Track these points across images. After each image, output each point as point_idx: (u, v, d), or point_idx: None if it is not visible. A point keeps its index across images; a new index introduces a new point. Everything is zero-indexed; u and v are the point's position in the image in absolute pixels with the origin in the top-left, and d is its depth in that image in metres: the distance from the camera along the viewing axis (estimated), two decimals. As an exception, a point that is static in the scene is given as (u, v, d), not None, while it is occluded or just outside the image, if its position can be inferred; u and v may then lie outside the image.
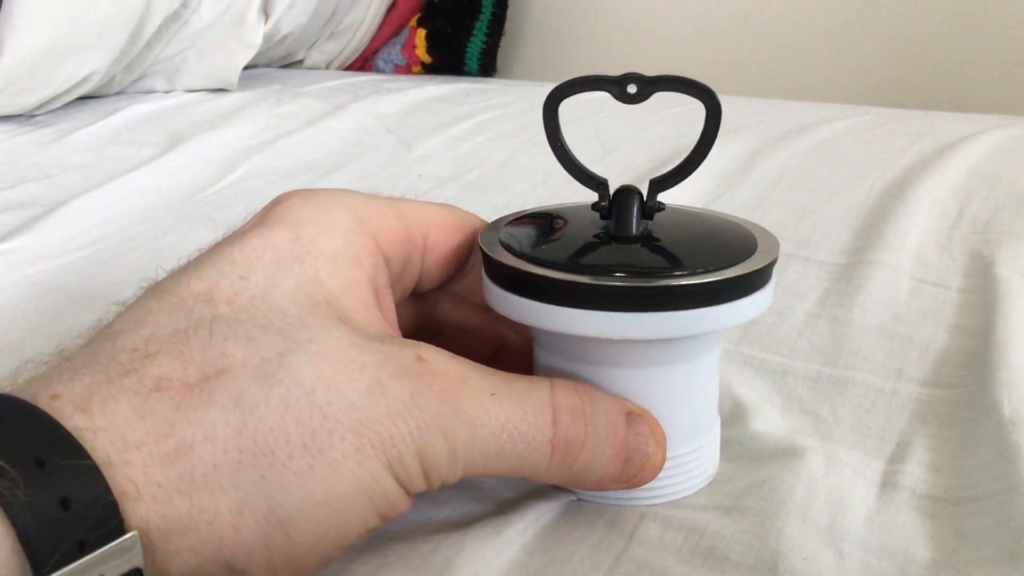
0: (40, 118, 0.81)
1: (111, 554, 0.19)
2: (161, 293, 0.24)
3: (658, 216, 0.29)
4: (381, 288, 0.27)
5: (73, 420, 0.20)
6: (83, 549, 0.19)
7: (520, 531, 0.27)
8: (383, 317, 0.26)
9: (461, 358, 0.25)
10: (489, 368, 0.26)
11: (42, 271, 0.48)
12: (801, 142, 0.71)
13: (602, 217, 0.29)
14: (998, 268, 0.46)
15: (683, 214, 0.31)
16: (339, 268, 0.26)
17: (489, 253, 0.28)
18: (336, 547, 0.23)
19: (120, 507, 0.20)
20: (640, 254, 0.28)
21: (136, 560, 0.20)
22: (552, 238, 0.29)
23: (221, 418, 0.21)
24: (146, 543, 0.20)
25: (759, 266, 0.27)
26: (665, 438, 0.27)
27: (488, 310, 0.29)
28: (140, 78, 0.93)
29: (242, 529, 0.21)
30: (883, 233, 0.51)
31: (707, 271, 0.26)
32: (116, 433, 0.20)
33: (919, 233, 0.52)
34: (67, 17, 0.79)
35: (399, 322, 0.29)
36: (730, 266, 0.26)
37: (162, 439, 0.21)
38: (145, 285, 0.25)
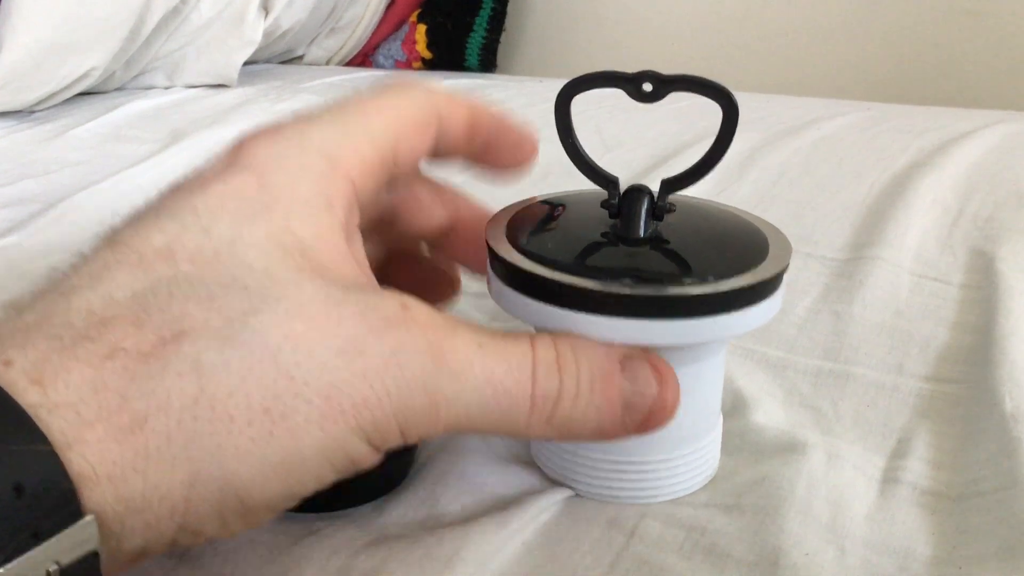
0: (40, 114, 0.81)
1: (66, 541, 0.19)
2: (119, 246, 0.22)
3: (668, 214, 0.29)
4: (352, 231, 0.26)
5: (27, 395, 0.19)
6: (37, 538, 0.18)
7: (521, 527, 0.27)
8: (358, 263, 0.25)
9: (447, 313, 0.24)
10: (476, 324, 0.25)
11: (42, 268, 0.48)
12: (802, 138, 0.71)
13: (610, 215, 0.29)
14: (999, 264, 0.46)
15: (694, 212, 0.30)
16: (311, 215, 0.24)
17: (495, 249, 0.28)
18: (287, 500, 0.22)
19: (77, 491, 0.19)
20: (647, 258, 0.27)
21: (92, 544, 0.19)
22: (558, 236, 0.29)
23: (176, 386, 0.20)
24: (103, 526, 0.19)
25: (769, 275, 0.26)
26: (675, 376, 0.26)
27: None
28: (140, 74, 0.93)
29: (194, 500, 0.20)
30: (884, 229, 0.51)
31: (716, 279, 0.26)
32: (71, 410, 0.19)
33: (920, 229, 0.52)
34: (67, 14, 0.78)
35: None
36: (740, 273, 0.26)
37: (116, 414, 0.20)
38: (103, 234, 0.24)
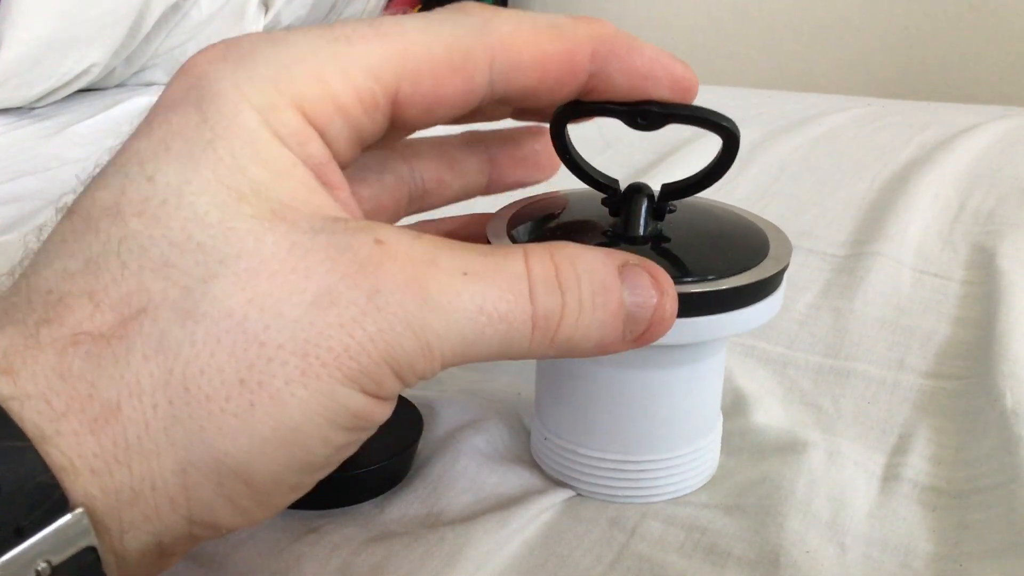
0: (40, 111, 0.81)
1: (55, 537, 0.18)
2: (70, 214, 0.21)
3: (668, 213, 0.29)
4: (322, 164, 0.22)
5: None
6: (21, 535, 0.17)
7: (522, 526, 0.27)
8: (333, 197, 0.22)
9: (425, 235, 0.22)
10: (457, 242, 0.22)
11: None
12: (803, 134, 0.71)
13: (611, 214, 0.29)
14: (1000, 260, 0.46)
15: (694, 211, 0.30)
16: (261, 151, 0.21)
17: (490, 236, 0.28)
18: (304, 472, 0.21)
19: (61, 484, 0.18)
20: (648, 257, 0.27)
21: (87, 539, 0.18)
22: (560, 234, 0.29)
23: (144, 369, 0.19)
24: (95, 521, 0.18)
25: (769, 273, 0.26)
26: (672, 283, 0.24)
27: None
28: (140, 71, 0.93)
29: (192, 488, 0.19)
30: (885, 225, 0.51)
31: (716, 278, 0.25)
32: (42, 400, 0.18)
33: (921, 225, 0.52)
34: (67, 10, 0.78)
35: (374, 198, 0.25)
36: (739, 272, 0.26)
37: (87, 403, 0.18)
38: (62, 205, 0.22)
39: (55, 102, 0.83)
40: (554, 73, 0.24)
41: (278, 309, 0.19)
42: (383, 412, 0.21)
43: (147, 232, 0.20)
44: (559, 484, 0.29)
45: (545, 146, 0.29)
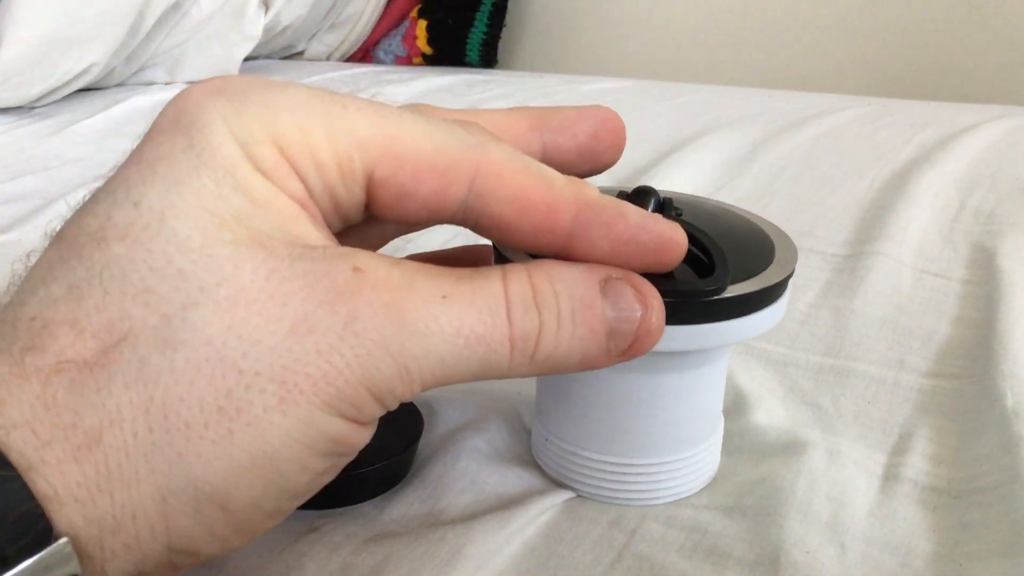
0: (40, 110, 0.81)
1: (39, 566, 0.18)
2: (59, 240, 0.21)
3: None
4: (304, 201, 0.22)
5: None
6: (6, 564, 0.17)
7: (523, 526, 0.27)
8: (314, 226, 0.22)
9: (405, 261, 0.22)
10: (436, 267, 0.22)
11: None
12: (803, 133, 0.71)
13: None
14: (1001, 259, 0.46)
15: (700, 215, 0.29)
16: (243, 180, 0.21)
17: (500, 249, 0.28)
18: (282, 499, 0.21)
19: (46, 514, 0.18)
20: None
21: (70, 568, 0.18)
22: None
23: (125, 397, 0.19)
24: (78, 550, 0.19)
25: (774, 281, 0.26)
26: (657, 296, 0.24)
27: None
28: (140, 70, 0.93)
29: (171, 515, 0.19)
30: (885, 224, 0.51)
31: (722, 285, 0.25)
32: (27, 430, 0.18)
33: (921, 224, 0.52)
34: (67, 8, 0.78)
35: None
36: (746, 279, 0.26)
37: (70, 431, 0.19)
38: (51, 231, 0.22)
39: (55, 101, 0.83)
40: (531, 219, 0.23)
41: (256, 337, 0.20)
42: (363, 437, 0.22)
43: (129, 257, 0.20)
44: (559, 485, 0.29)
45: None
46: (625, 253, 0.23)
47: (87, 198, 0.22)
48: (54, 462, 0.18)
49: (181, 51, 0.93)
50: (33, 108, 0.82)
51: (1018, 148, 0.66)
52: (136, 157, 0.22)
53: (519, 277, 0.23)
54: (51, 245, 0.21)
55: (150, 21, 0.86)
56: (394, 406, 0.22)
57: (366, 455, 0.29)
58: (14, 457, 0.18)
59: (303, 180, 0.22)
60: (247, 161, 0.21)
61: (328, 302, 0.20)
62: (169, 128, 0.22)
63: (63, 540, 0.18)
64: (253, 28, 0.97)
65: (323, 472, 0.21)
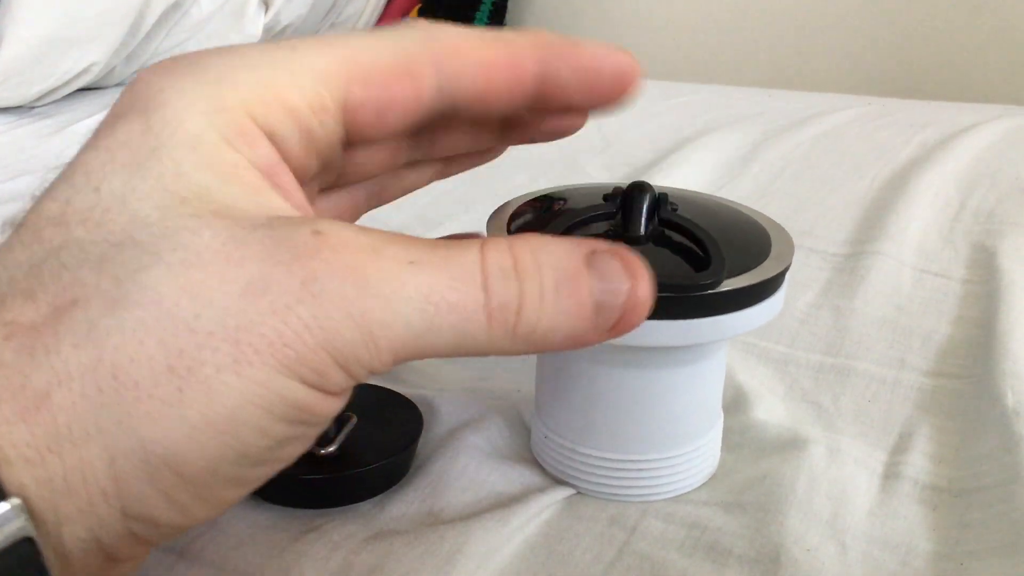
0: (40, 110, 0.81)
1: None
2: (20, 227, 0.21)
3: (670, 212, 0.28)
4: (271, 166, 0.22)
5: None
6: None
7: (523, 524, 0.27)
8: (282, 197, 0.22)
9: (372, 229, 0.21)
10: (410, 236, 0.22)
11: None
12: (803, 133, 0.71)
13: (613, 212, 0.28)
14: (1001, 259, 0.46)
15: (696, 209, 0.29)
16: (205, 156, 0.21)
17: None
18: (242, 465, 0.20)
19: None
20: (648, 257, 0.26)
21: (24, 530, 0.18)
22: (559, 231, 0.28)
23: (74, 357, 0.19)
24: (32, 512, 0.18)
25: (771, 274, 0.26)
26: (646, 269, 0.23)
27: None
28: (140, 69, 0.93)
29: (121, 478, 0.19)
30: (885, 224, 0.51)
31: (718, 279, 0.25)
32: None
33: (922, 224, 0.52)
34: (67, 8, 0.78)
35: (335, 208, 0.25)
36: (742, 272, 0.26)
37: (19, 392, 0.18)
38: (14, 220, 0.22)
39: (55, 101, 0.83)
40: (501, 77, 0.24)
41: (209, 297, 0.19)
42: (330, 407, 0.21)
43: (89, 237, 0.20)
44: (559, 482, 0.29)
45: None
46: (590, 82, 0.24)
47: (45, 186, 0.22)
48: (2, 422, 0.18)
49: (181, 51, 0.93)
50: (33, 108, 0.81)
51: (1018, 148, 0.66)
52: (93, 143, 0.22)
53: (498, 247, 0.22)
54: (12, 233, 0.21)
55: (150, 21, 0.86)
56: (364, 376, 0.21)
57: (366, 454, 0.29)
58: None
59: (273, 135, 0.22)
60: (211, 132, 0.21)
61: (284, 263, 0.20)
62: (125, 112, 0.22)
63: (15, 500, 0.18)
64: (253, 28, 0.97)
65: (286, 440, 0.21)
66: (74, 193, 0.21)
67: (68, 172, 0.21)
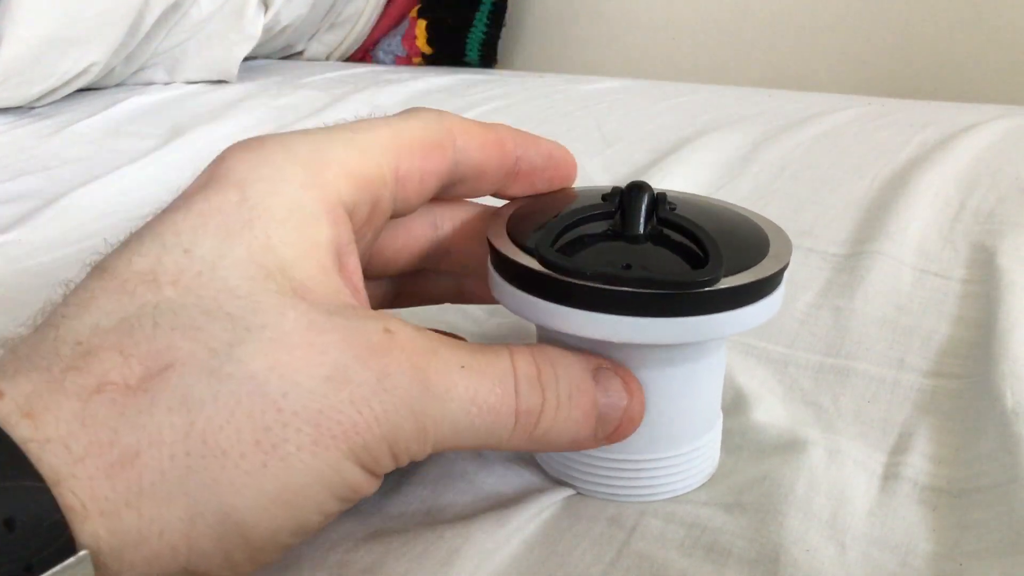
0: (39, 110, 0.81)
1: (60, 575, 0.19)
2: (103, 273, 0.22)
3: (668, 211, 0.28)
4: (344, 246, 0.25)
5: (19, 429, 0.19)
6: (31, 572, 0.18)
7: (522, 524, 0.27)
8: (345, 282, 0.25)
9: (429, 331, 0.24)
10: (455, 339, 0.25)
11: (41, 263, 0.48)
12: (803, 133, 0.71)
13: (611, 211, 0.28)
14: (1001, 259, 0.46)
15: (694, 209, 0.29)
16: (293, 231, 0.23)
17: (494, 243, 0.28)
18: (294, 536, 0.22)
19: (69, 525, 0.19)
20: (646, 256, 0.27)
21: None
22: (559, 231, 0.28)
23: (167, 420, 0.20)
24: (97, 561, 0.19)
25: (769, 272, 0.26)
26: (641, 387, 0.27)
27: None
28: (140, 70, 0.93)
29: (195, 536, 0.20)
30: (885, 224, 0.51)
31: (715, 277, 0.25)
32: (61, 444, 0.19)
33: (921, 224, 0.52)
34: (66, 8, 0.78)
35: (368, 272, 0.28)
36: (740, 271, 0.26)
37: (106, 449, 0.20)
38: (91, 262, 0.24)
39: (55, 101, 0.83)
40: (495, 154, 0.29)
41: (296, 379, 0.21)
42: (373, 488, 0.23)
43: (180, 300, 0.21)
44: (559, 482, 0.29)
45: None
46: (548, 166, 0.30)
47: (131, 235, 0.23)
48: (85, 477, 0.19)
49: (181, 51, 0.93)
50: (33, 108, 0.82)
51: (1018, 148, 0.66)
52: (184, 205, 0.23)
53: (525, 356, 0.25)
54: (94, 277, 0.22)
55: (150, 21, 0.86)
56: (404, 464, 0.23)
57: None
58: (45, 470, 0.19)
59: (352, 211, 0.25)
60: (301, 211, 0.24)
61: (362, 357, 0.22)
62: (218, 182, 0.24)
63: (83, 552, 0.19)
64: (252, 28, 0.97)
65: (330, 515, 0.23)
66: (164, 252, 0.22)
67: (157, 229, 0.23)
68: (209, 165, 0.25)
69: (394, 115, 0.28)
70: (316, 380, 0.21)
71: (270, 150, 0.25)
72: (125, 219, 0.55)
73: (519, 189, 0.30)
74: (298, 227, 0.23)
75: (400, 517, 0.28)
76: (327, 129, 0.26)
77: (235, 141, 0.25)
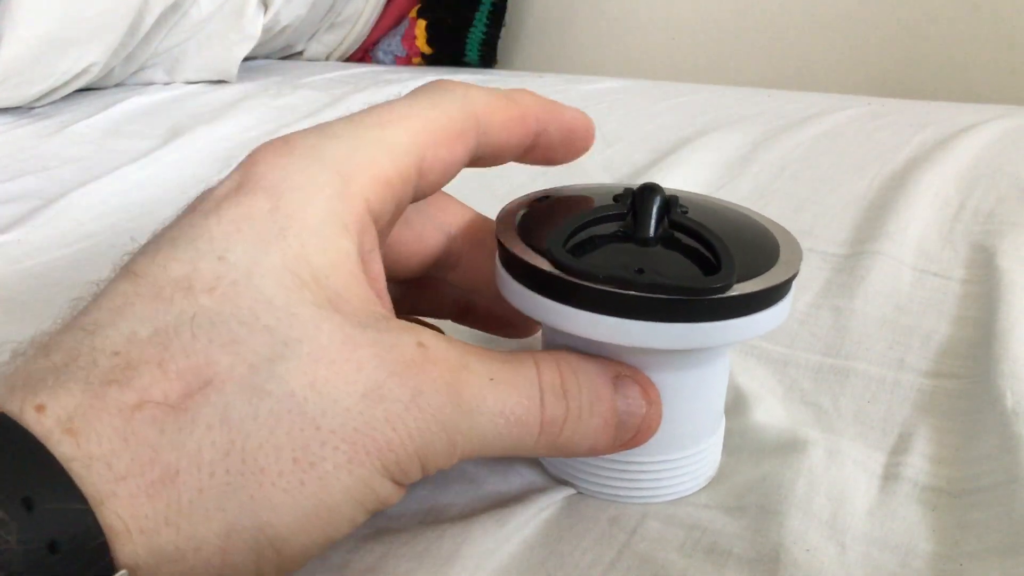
0: (39, 110, 0.81)
1: None
2: (136, 277, 0.22)
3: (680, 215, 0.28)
4: (368, 252, 0.25)
5: (61, 447, 0.19)
6: None
7: (522, 524, 0.27)
8: (372, 289, 0.25)
9: (458, 341, 0.24)
10: (484, 350, 0.25)
11: (41, 264, 0.48)
12: (802, 133, 0.71)
13: (624, 214, 0.28)
14: (1000, 259, 0.46)
15: (705, 213, 0.29)
16: (325, 240, 0.23)
17: (504, 242, 0.27)
18: (323, 548, 0.22)
19: (111, 547, 0.19)
20: (658, 259, 0.27)
21: None
22: (569, 231, 0.28)
23: (207, 438, 0.20)
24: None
25: (779, 280, 0.26)
26: (659, 394, 0.27)
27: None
28: (139, 70, 0.93)
29: (230, 551, 0.20)
30: (885, 224, 0.51)
31: (728, 284, 0.25)
32: (103, 463, 0.19)
33: (921, 224, 0.52)
34: (66, 8, 0.78)
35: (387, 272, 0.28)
36: (751, 277, 0.26)
37: (147, 467, 0.20)
38: (121, 263, 0.24)
39: (54, 101, 0.83)
40: (516, 132, 0.29)
41: (334, 396, 0.21)
42: (398, 498, 0.23)
43: (217, 309, 0.21)
44: (559, 482, 0.29)
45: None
46: (570, 137, 0.30)
47: (159, 238, 0.23)
48: (126, 496, 0.19)
49: (180, 51, 0.93)
50: (33, 108, 0.81)
51: (1018, 148, 0.66)
52: (215, 209, 0.23)
53: (550, 365, 0.25)
54: (126, 280, 0.22)
55: (149, 21, 0.86)
56: (432, 473, 0.24)
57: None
58: (88, 490, 0.19)
59: (377, 217, 0.25)
60: (333, 220, 0.24)
61: (397, 373, 0.22)
62: (251, 188, 0.24)
63: (122, 572, 0.19)
64: (252, 28, 0.97)
65: (358, 525, 0.23)
66: (198, 258, 0.22)
67: (189, 233, 0.23)
68: (239, 167, 0.25)
69: (421, 96, 0.27)
70: (353, 398, 0.22)
71: (300, 154, 0.24)
72: (125, 219, 0.55)
73: (534, 160, 0.31)
74: (330, 236, 0.23)
75: (401, 517, 0.28)
76: (354, 124, 0.26)
77: (263, 142, 0.25)
